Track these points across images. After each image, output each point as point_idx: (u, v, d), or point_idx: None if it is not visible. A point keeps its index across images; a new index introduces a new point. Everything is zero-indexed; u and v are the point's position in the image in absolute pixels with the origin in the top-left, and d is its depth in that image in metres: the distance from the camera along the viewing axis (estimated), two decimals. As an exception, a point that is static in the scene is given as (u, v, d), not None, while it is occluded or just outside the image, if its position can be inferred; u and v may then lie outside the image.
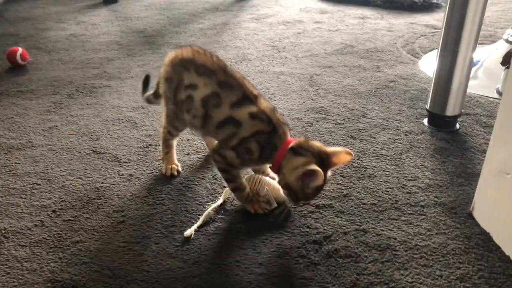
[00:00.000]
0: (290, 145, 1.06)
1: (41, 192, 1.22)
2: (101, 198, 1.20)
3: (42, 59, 2.11)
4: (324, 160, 1.04)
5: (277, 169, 1.08)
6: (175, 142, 1.30)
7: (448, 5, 1.40)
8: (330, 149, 1.06)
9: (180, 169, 1.30)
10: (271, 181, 1.18)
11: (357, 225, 1.09)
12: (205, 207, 1.15)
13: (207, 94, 1.10)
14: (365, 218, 1.12)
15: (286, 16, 2.74)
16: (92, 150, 1.41)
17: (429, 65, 2.00)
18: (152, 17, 2.74)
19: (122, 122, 1.57)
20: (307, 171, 1.00)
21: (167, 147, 1.29)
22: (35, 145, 1.43)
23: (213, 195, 1.20)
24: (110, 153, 1.39)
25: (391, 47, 2.22)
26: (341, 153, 1.05)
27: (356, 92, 1.76)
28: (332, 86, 1.81)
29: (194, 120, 1.15)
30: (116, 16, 2.75)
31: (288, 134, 1.10)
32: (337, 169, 1.30)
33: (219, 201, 1.18)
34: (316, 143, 1.06)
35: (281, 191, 1.15)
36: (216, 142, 1.16)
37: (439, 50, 1.45)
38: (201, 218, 1.12)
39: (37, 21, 2.65)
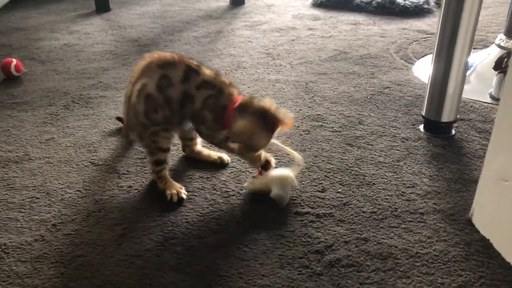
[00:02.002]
0: (236, 105, 1.17)
1: (40, 206, 1.21)
2: (101, 211, 1.20)
3: (36, 70, 2.10)
4: (267, 119, 1.14)
5: (229, 127, 1.18)
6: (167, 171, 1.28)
7: (442, 10, 1.41)
8: (276, 110, 1.16)
9: (185, 191, 1.24)
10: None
11: (358, 233, 1.10)
12: (205, 218, 1.16)
13: (158, 80, 1.20)
14: (366, 227, 1.12)
15: (279, 23, 2.75)
16: (91, 162, 1.40)
17: (422, 70, 2.02)
18: (145, 26, 2.74)
19: (120, 132, 1.56)
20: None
21: (161, 178, 1.26)
22: (33, 157, 1.43)
23: (213, 206, 1.20)
24: (108, 165, 1.39)
25: (384, 53, 2.24)
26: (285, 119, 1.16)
27: (352, 99, 1.77)
28: (328, 93, 1.83)
29: (165, 111, 1.21)
30: (110, 25, 2.75)
31: (235, 94, 1.21)
32: (336, 177, 1.31)
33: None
34: (262, 103, 1.16)
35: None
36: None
37: (434, 55, 1.46)
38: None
39: (29, 32, 2.64)
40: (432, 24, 2.67)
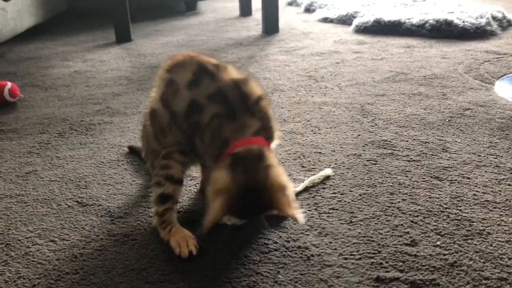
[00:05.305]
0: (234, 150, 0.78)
1: (-9, 263, 0.83)
2: (78, 272, 0.80)
3: (36, 96, 1.78)
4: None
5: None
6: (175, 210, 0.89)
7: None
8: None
9: (195, 243, 0.83)
10: None
11: (488, 317, 0.66)
12: (234, 286, 0.74)
13: (164, 89, 0.88)
14: (498, 305, 0.68)
15: (319, 48, 2.40)
16: (77, 202, 1.02)
17: (509, 90, 1.60)
18: (168, 53, 2.43)
19: (122, 164, 1.19)
20: None
21: (165, 223, 0.87)
22: (1, 195, 1.06)
23: (245, 266, 0.79)
24: (100, 205, 1.00)
25: (452, 73, 1.84)
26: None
27: (425, 122, 1.36)
28: (392, 116, 1.42)
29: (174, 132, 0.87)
30: (129, 53, 2.46)
31: (251, 129, 0.80)
32: (428, 223, 0.88)
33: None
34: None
35: None
36: None
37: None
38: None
39: (40, 60, 2.37)
40: (500, 45, 2.26)
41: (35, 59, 2.40)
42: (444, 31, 2.52)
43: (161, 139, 0.88)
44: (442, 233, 0.85)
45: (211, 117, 0.80)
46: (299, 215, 0.76)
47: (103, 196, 1.04)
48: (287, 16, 3.39)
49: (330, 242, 0.84)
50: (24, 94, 1.78)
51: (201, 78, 0.84)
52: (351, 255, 0.81)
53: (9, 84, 1.67)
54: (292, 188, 0.79)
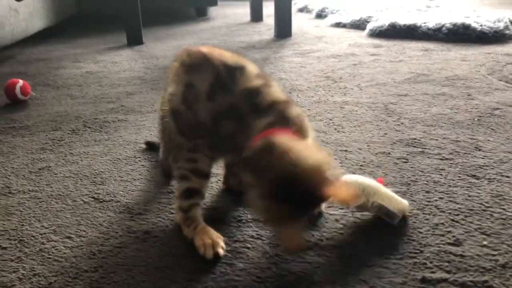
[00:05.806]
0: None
1: (4, 260, 0.77)
2: (97, 270, 0.74)
3: (48, 95, 1.74)
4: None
5: None
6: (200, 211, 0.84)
7: None
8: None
9: (223, 244, 0.78)
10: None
11: (552, 321, 0.60)
12: (266, 285, 0.68)
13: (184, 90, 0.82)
14: (560, 308, 0.62)
15: (334, 50, 2.36)
16: (93, 198, 0.97)
17: (536, 91, 1.54)
18: (180, 56, 2.39)
19: (139, 160, 1.13)
20: None
21: (189, 220, 0.81)
22: (14, 191, 1.01)
23: (278, 265, 0.73)
24: (118, 201, 0.95)
25: (474, 75, 1.78)
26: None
27: (453, 122, 1.30)
28: (418, 115, 1.36)
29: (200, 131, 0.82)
30: (141, 55, 2.42)
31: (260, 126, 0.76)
32: (471, 222, 0.82)
33: None
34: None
35: None
36: None
37: None
38: None
39: (51, 62, 2.33)
40: (521, 49, 2.21)
41: (46, 60, 2.37)
42: (461, 35, 2.47)
43: (188, 133, 0.82)
44: (488, 232, 0.79)
45: (226, 131, 0.78)
46: None
47: (121, 192, 0.98)
48: (298, 21, 3.36)
49: (367, 241, 0.78)
50: (36, 93, 1.73)
51: (216, 91, 0.78)
52: (391, 254, 0.75)
53: (20, 81, 1.63)
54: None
